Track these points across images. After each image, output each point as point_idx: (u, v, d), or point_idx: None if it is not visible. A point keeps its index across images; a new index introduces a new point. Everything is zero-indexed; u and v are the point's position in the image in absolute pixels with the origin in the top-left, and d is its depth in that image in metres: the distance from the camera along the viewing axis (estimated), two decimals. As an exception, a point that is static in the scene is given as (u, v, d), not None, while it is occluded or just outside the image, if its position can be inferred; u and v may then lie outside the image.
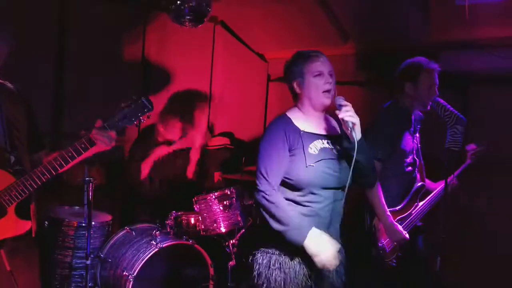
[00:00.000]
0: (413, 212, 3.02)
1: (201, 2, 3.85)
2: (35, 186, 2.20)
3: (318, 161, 2.26)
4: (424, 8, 3.80)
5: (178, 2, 3.82)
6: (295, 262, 2.28)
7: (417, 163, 3.09)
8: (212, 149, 5.13)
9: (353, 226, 3.12)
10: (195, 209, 3.66)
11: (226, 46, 5.28)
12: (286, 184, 2.29)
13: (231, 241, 3.64)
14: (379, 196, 2.89)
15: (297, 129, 2.31)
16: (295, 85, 2.36)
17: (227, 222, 3.59)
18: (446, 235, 2.68)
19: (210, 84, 5.28)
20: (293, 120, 2.34)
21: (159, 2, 4.21)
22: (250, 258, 2.36)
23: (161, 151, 4.42)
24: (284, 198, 2.28)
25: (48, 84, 4.26)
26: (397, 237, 2.91)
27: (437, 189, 3.13)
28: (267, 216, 2.24)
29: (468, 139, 3.37)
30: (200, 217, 3.64)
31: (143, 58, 4.80)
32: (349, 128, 2.23)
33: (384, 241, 2.93)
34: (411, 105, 3.05)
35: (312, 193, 2.27)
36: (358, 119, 2.25)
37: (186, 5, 3.78)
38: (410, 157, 3.02)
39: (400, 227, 2.92)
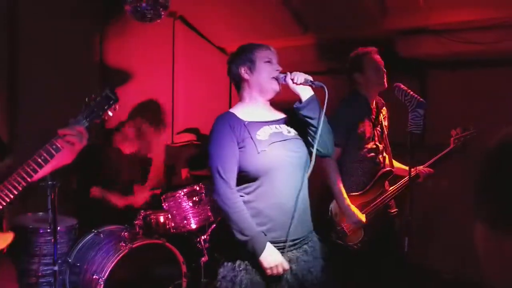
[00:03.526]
0: (379, 197, 3.06)
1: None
2: (12, 196, 2.05)
3: (270, 144, 2.20)
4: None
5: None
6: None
7: (381, 149, 3.13)
8: (178, 146, 5.08)
9: (319, 216, 3.15)
10: (164, 207, 3.62)
11: (187, 41, 5.23)
12: (244, 178, 2.20)
13: (203, 237, 3.62)
14: (336, 179, 2.93)
15: (240, 121, 2.26)
16: (242, 71, 2.34)
17: (197, 218, 3.57)
18: (412, 217, 2.73)
19: (172, 80, 5.21)
20: (236, 114, 2.30)
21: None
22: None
23: (124, 154, 4.31)
24: (244, 193, 2.21)
25: (2, 87, 4.11)
26: (353, 220, 2.94)
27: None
28: (229, 224, 2.17)
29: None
30: (169, 214, 3.60)
31: (101, 57, 4.69)
32: (310, 83, 2.27)
33: (343, 225, 2.97)
34: (368, 91, 3.11)
35: (273, 182, 2.18)
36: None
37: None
38: (371, 143, 3.06)
39: (354, 209, 2.93)
